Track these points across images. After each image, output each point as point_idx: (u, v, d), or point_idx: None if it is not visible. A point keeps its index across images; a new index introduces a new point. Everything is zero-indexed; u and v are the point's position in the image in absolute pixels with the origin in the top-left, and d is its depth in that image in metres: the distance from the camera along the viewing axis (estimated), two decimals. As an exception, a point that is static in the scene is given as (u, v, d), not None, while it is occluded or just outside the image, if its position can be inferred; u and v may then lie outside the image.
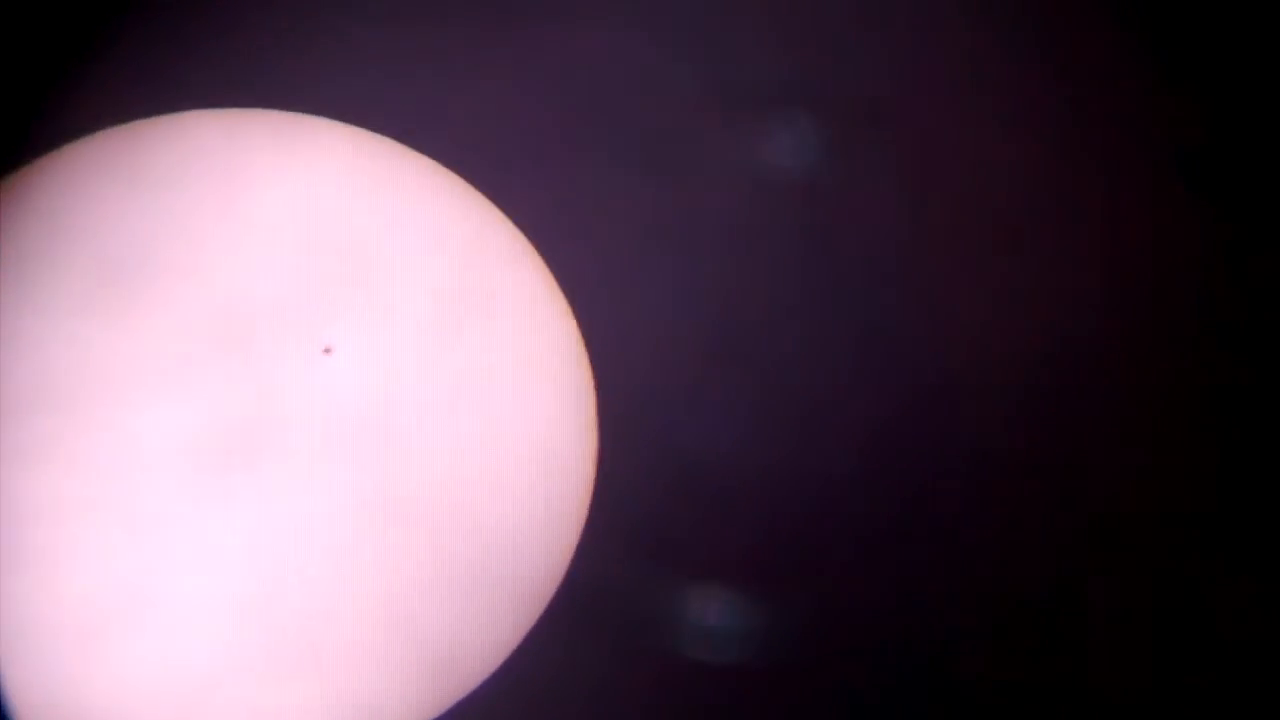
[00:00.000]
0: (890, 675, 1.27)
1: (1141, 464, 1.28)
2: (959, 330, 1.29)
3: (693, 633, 1.28)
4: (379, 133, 1.31)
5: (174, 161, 1.30)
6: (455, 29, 1.32)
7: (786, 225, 1.30)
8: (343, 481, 1.28)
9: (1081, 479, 1.28)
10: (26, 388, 1.27)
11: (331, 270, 1.30)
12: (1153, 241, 1.30)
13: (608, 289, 1.30)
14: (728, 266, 1.30)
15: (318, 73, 1.31)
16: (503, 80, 1.31)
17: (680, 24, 1.32)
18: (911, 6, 1.32)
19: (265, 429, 1.28)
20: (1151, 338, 1.29)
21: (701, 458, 1.28)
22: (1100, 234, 1.30)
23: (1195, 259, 1.30)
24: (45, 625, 1.26)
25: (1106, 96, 1.31)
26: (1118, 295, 1.30)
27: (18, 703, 1.25)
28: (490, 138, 1.31)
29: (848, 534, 1.28)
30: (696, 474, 1.27)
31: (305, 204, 1.30)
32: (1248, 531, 1.27)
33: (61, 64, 1.30)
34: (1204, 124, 1.31)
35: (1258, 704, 1.26)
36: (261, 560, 1.27)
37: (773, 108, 1.30)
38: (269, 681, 1.26)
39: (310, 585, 1.27)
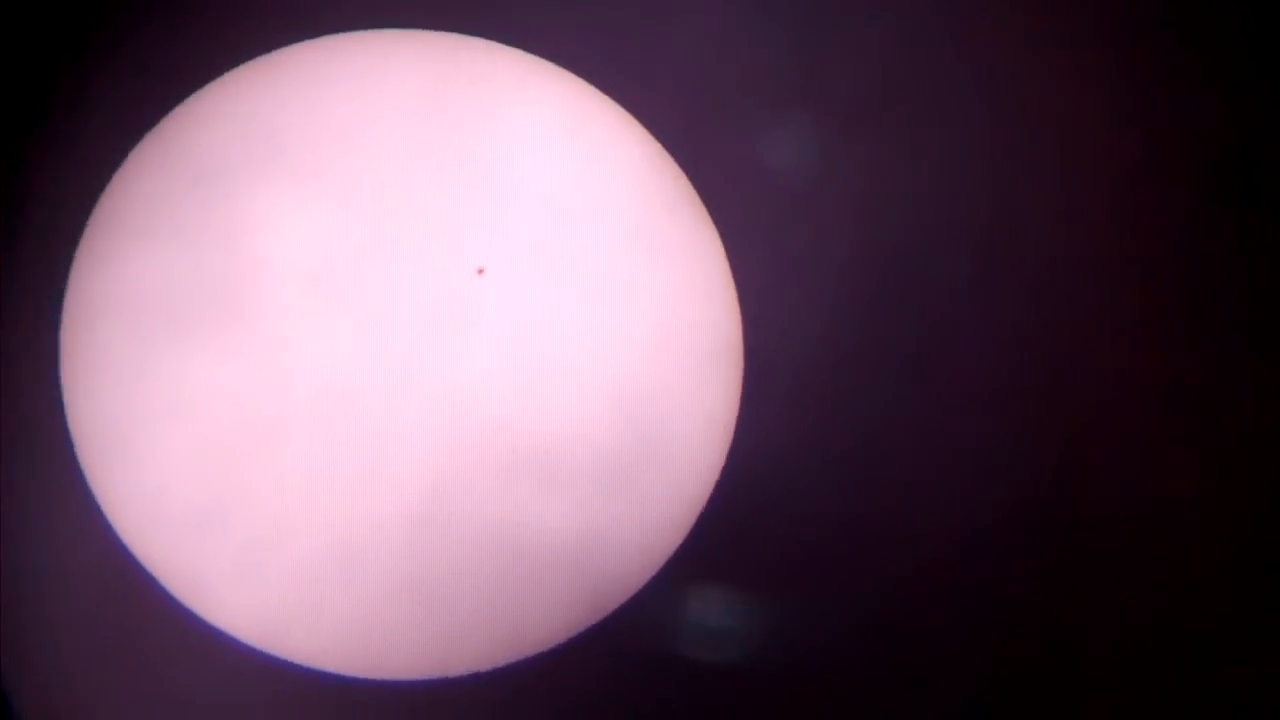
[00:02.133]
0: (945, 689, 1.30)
1: (1170, 467, 1.28)
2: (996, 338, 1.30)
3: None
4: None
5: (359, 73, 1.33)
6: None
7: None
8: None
9: (1109, 485, 1.28)
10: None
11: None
12: (1178, 243, 1.29)
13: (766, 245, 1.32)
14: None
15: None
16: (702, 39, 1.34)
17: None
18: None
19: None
20: (1177, 340, 1.28)
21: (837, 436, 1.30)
22: (1123, 237, 1.30)
23: (1223, 262, 1.29)
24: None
25: (1134, 97, 1.30)
26: (1142, 297, 1.30)
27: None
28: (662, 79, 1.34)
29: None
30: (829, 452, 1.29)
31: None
32: (1259, 537, 1.29)
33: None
34: (1234, 126, 1.30)
35: (1258, 704, 1.28)
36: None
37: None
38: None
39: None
